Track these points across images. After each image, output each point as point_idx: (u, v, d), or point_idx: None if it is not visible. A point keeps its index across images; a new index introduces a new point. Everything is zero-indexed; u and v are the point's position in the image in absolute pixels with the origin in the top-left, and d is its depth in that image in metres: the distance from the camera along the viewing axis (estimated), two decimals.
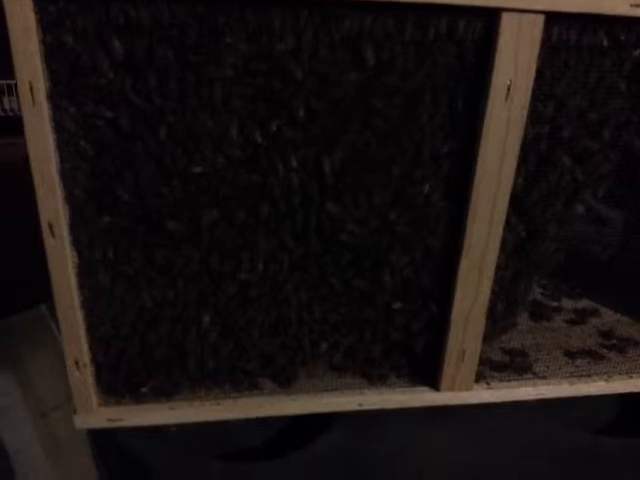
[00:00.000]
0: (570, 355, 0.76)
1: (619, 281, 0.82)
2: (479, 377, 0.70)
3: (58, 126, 0.53)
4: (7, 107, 2.09)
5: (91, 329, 0.61)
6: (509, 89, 0.55)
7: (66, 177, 0.55)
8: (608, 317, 0.85)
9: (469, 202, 0.60)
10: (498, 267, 0.63)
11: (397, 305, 0.65)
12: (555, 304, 0.87)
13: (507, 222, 0.61)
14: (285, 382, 0.69)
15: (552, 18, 0.54)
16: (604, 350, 0.77)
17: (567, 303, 0.88)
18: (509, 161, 0.58)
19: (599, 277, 0.86)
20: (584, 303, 0.88)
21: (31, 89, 0.51)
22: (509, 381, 0.71)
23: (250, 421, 0.67)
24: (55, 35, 0.51)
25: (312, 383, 0.69)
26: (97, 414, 0.65)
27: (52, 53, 0.51)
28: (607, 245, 0.82)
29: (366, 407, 0.68)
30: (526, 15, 0.53)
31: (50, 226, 0.55)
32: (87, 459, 0.85)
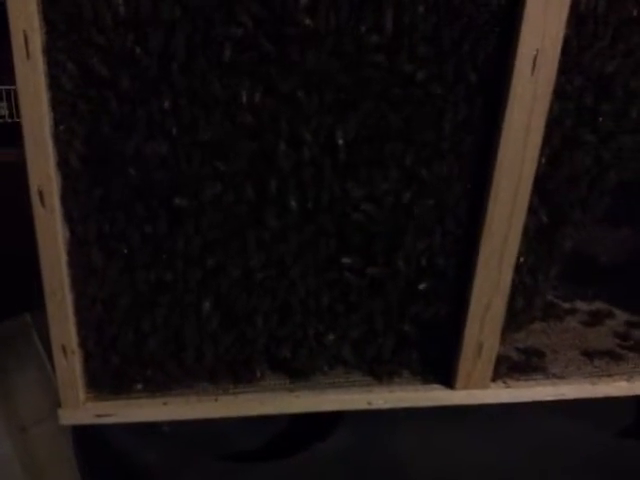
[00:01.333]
0: (588, 355, 0.72)
1: (633, 283, 0.79)
2: (496, 375, 0.65)
3: (54, 83, 0.49)
4: (4, 113, 2.08)
5: (81, 312, 0.56)
6: (535, 59, 0.52)
7: (60, 140, 0.51)
8: (623, 319, 0.81)
9: (491, 182, 0.56)
10: (518, 255, 0.60)
11: (418, 288, 0.61)
12: (568, 305, 0.83)
13: (529, 205, 0.58)
14: (288, 377, 0.64)
15: None
16: (623, 351, 0.73)
17: (580, 305, 0.84)
18: (534, 138, 0.55)
19: (612, 278, 0.83)
20: (597, 305, 0.84)
21: (26, 40, 0.47)
22: (527, 380, 0.67)
23: (250, 419, 0.62)
24: None
25: (317, 379, 0.65)
26: (84, 409, 0.59)
27: (50, 1, 0.47)
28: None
29: (375, 406, 0.63)
30: None
31: (40, 194, 0.51)
32: (67, 476, 0.79)
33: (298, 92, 0.52)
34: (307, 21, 0.49)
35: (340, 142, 0.54)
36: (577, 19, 0.54)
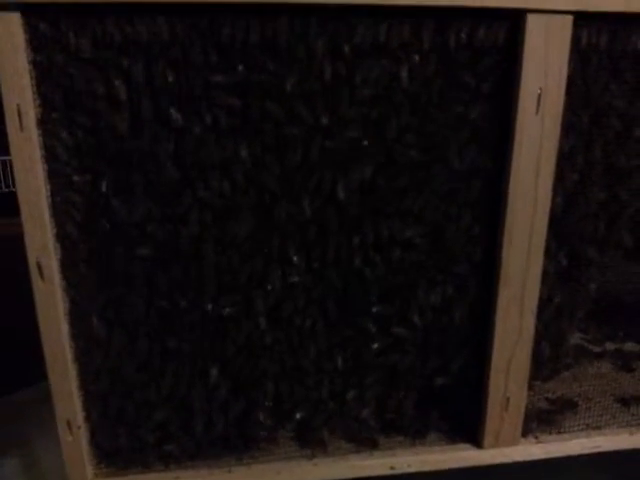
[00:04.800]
0: (623, 402, 0.68)
1: None
2: (526, 430, 0.61)
3: (49, 154, 0.48)
4: None
5: (85, 385, 0.54)
6: (540, 98, 0.51)
7: (57, 211, 0.50)
8: None
9: (504, 226, 0.54)
10: (540, 301, 0.57)
11: (435, 342, 0.58)
12: (598, 349, 0.79)
13: (546, 249, 0.55)
14: (306, 444, 0.60)
15: (581, 19, 0.50)
16: None
17: (611, 347, 0.80)
18: (545, 178, 0.53)
19: None
20: (630, 347, 0.80)
21: (19, 113, 0.46)
22: (560, 433, 0.62)
23: None
24: (46, 55, 0.47)
25: (337, 445, 0.61)
26: None
27: (42, 75, 0.47)
28: None
29: (399, 470, 0.60)
30: (554, 16, 0.49)
31: (39, 266, 0.50)
32: None
33: (297, 148, 0.51)
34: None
35: (342, 195, 0.52)
36: (580, 55, 0.52)
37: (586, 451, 0.62)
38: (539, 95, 0.51)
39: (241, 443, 0.59)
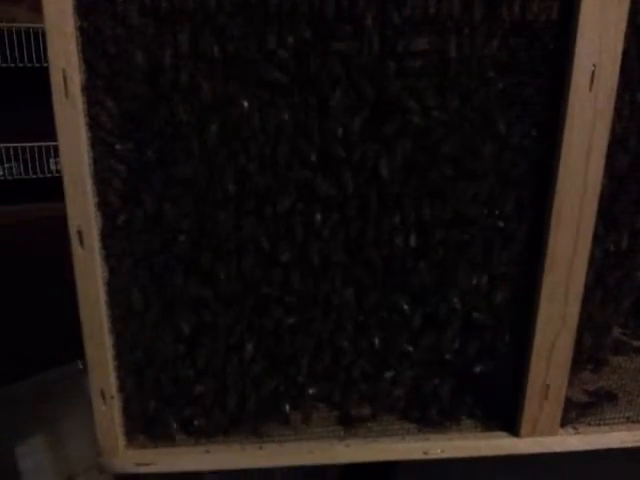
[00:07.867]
0: None
1: None
2: (565, 420, 0.59)
3: (93, 122, 0.48)
4: (53, 168, 2.22)
5: (120, 355, 0.54)
6: (593, 74, 0.49)
7: (100, 180, 0.50)
8: None
9: (552, 208, 0.52)
10: (585, 288, 0.55)
11: (476, 325, 0.56)
12: (638, 343, 0.76)
13: (594, 233, 0.53)
14: (338, 424, 0.60)
15: None
16: None
17: None
18: (596, 159, 0.51)
19: None
20: None
21: (64, 79, 0.46)
22: (599, 425, 0.61)
23: (297, 469, 0.58)
24: (92, 21, 0.47)
25: (369, 426, 0.60)
26: (124, 457, 0.57)
27: (89, 41, 0.47)
28: None
29: (432, 455, 0.59)
30: None
31: (79, 234, 0.50)
32: None
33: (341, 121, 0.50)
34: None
35: (385, 173, 0.51)
36: (637, 32, 0.50)
37: (627, 445, 0.60)
38: (593, 72, 0.49)
39: (273, 420, 0.59)
